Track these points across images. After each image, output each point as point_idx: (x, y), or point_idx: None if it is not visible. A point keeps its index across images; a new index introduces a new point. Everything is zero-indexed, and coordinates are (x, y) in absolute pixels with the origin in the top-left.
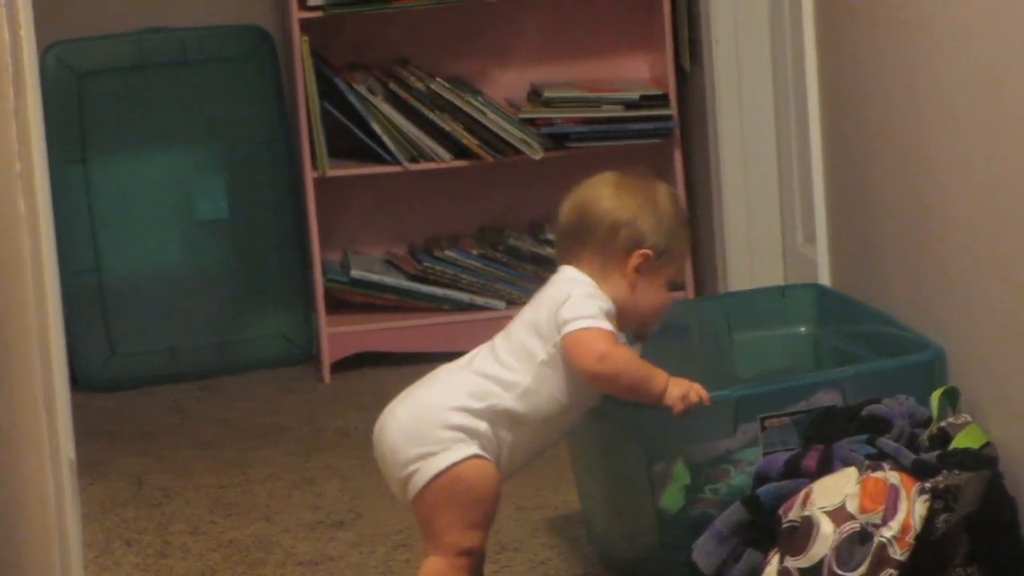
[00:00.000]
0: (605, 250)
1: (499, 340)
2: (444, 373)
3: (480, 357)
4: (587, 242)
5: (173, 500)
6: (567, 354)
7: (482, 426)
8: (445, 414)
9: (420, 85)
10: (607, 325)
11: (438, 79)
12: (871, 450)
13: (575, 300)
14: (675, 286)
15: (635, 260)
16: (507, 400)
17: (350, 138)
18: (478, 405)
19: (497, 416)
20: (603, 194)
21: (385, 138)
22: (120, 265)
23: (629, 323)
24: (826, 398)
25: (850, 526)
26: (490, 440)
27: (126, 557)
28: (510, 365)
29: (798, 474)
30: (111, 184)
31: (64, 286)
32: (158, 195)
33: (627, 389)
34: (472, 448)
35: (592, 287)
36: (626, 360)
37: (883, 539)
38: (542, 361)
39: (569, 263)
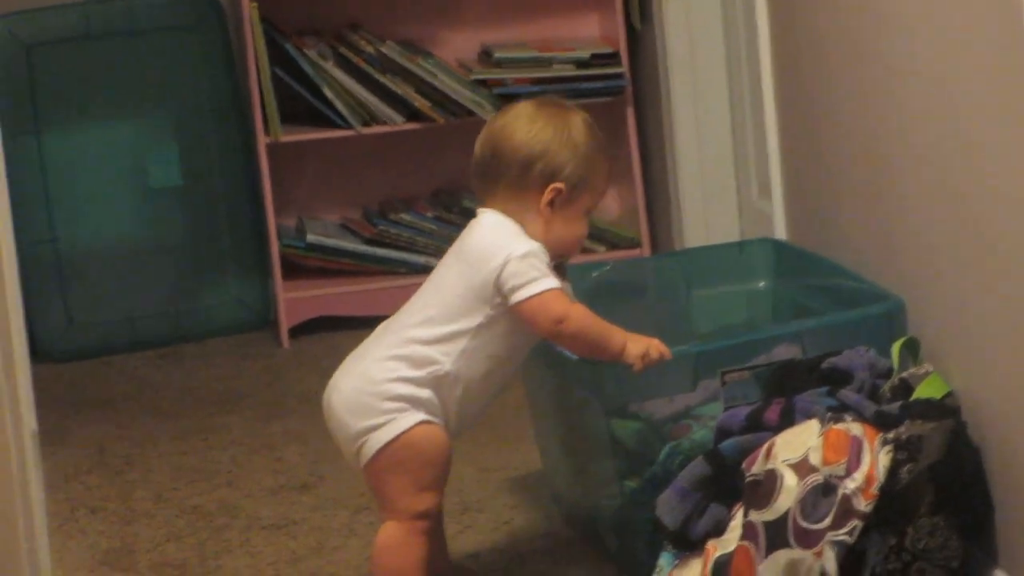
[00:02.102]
0: (520, 187)
1: (430, 298)
2: (379, 341)
3: (414, 319)
4: (500, 179)
5: (135, 467)
6: (524, 321)
7: (425, 393)
8: (387, 386)
9: (371, 49)
10: (554, 282)
11: (388, 42)
12: (833, 402)
13: (515, 264)
14: (630, 242)
15: (547, 196)
16: (447, 364)
17: (302, 103)
18: (419, 373)
19: (439, 381)
20: (515, 128)
21: (337, 103)
22: (76, 235)
23: (550, 256)
24: (786, 351)
25: (814, 478)
26: (435, 405)
27: (91, 525)
28: (447, 328)
29: (760, 428)
30: (64, 155)
31: (20, 257)
32: (112, 165)
33: (587, 347)
34: (418, 415)
35: (518, 233)
36: (584, 319)
37: (847, 491)
38: (480, 323)
39: (486, 201)
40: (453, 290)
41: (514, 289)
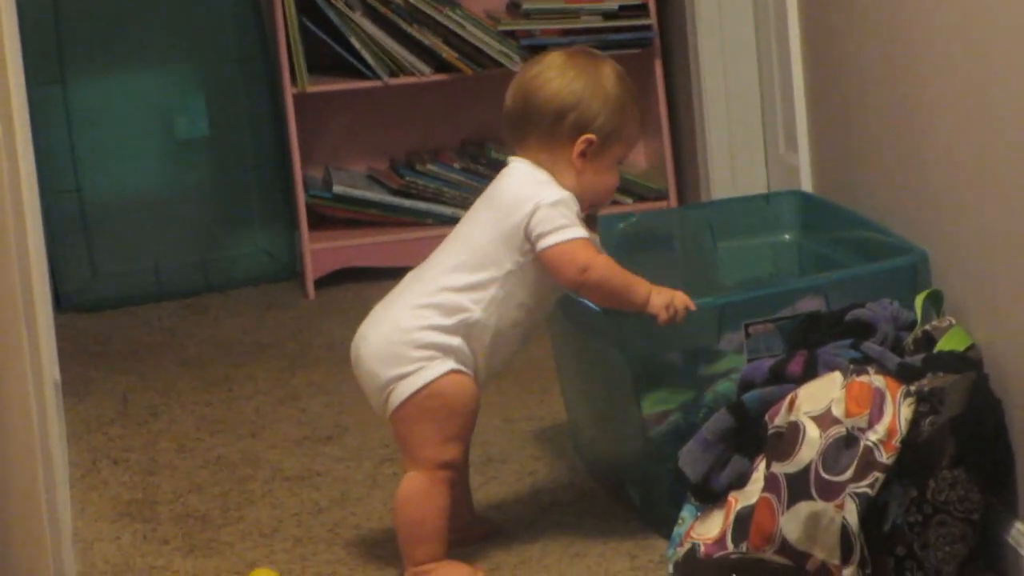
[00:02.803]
0: (552, 137)
1: (460, 247)
2: (409, 289)
3: (443, 267)
4: (532, 131)
5: (159, 418)
6: (549, 268)
7: (455, 341)
8: (418, 334)
9: None
10: (582, 231)
11: None
12: (855, 354)
13: (544, 211)
14: (658, 194)
15: (579, 147)
16: (476, 312)
17: (329, 54)
18: (449, 321)
19: (469, 329)
20: (546, 78)
21: (364, 53)
22: (101, 185)
23: (581, 206)
24: (810, 304)
25: (836, 430)
26: (465, 354)
27: (113, 475)
28: (476, 275)
29: (783, 380)
30: (90, 105)
31: (45, 207)
32: (138, 115)
33: (610, 297)
34: (449, 363)
35: (548, 182)
36: (609, 269)
37: (869, 443)
38: (509, 271)
39: (517, 151)
40: (483, 237)
41: (541, 236)
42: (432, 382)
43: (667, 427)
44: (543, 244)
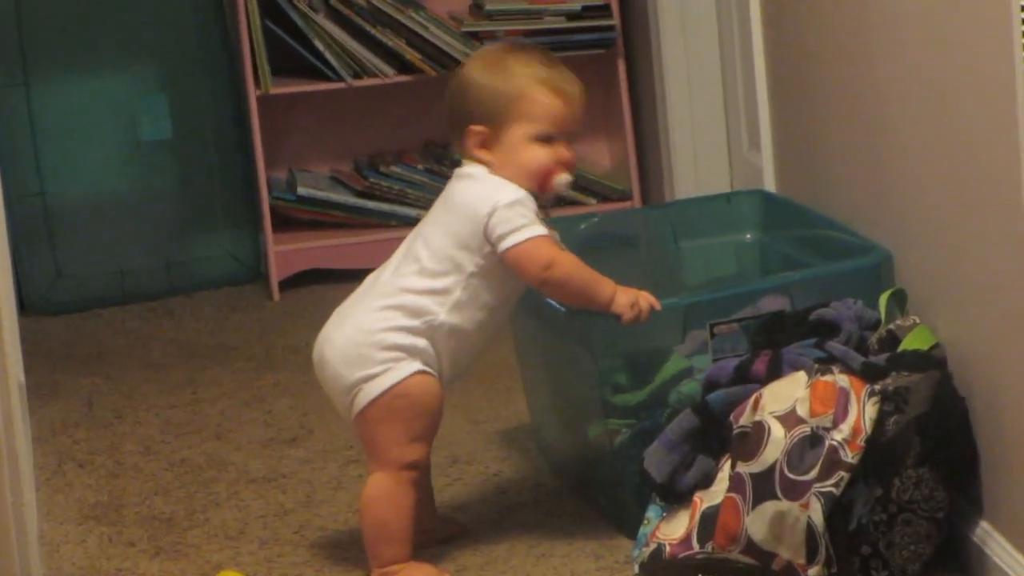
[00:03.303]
0: (462, 138)
1: (421, 250)
2: (371, 291)
3: (406, 270)
4: (455, 130)
5: (124, 421)
6: (512, 268)
7: (421, 342)
8: (383, 335)
9: (361, 1)
10: (542, 229)
11: None
12: (820, 354)
13: (502, 212)
14: (621, 194)
15: (471, 140)
16: (441, 314)
17: (293, 55)
18: (414, 323)
19: (434, 330)
20: (451, 85)
21: (328, 55)
22: (65, 188)
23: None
24: (774, 303)
25: (801, 430)
26: (430, 355)
27: (79, 478)
28: (439, 280)
29: (748, 380)
30: (54, 107)
31: (9, 210)
32: (101, 117)
33: (575, 295)
34: (415, 364)
35: (501, 183)
36: (573, 266)
37: (834, 442)
38: (471, 273)
39: (459, 151)
40: (442, 241)
41: (501, 237)
42: (399, 383)
43: (632, 429)
44: (504, 245)
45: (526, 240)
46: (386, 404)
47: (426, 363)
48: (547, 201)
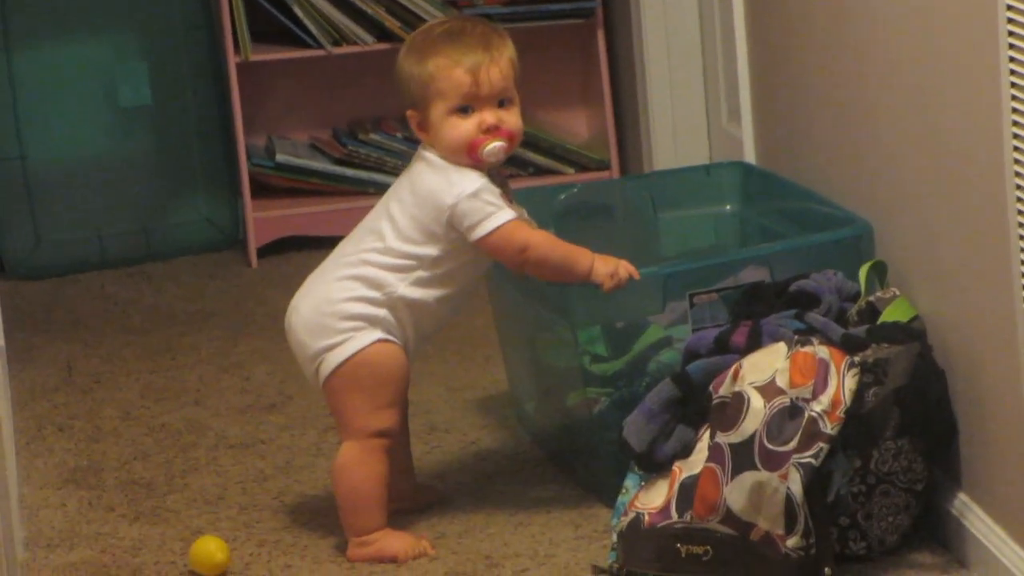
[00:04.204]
0: (408, 120)
1: (386, 228)
2: (336, 261)
3: (370, 244)
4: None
5: (103, 386)
6: (489, 255)
7: (381, 312)
8: (343, 306)
9: None
10: (511, 213)
11: None
12: (800, 325)
13: (466, 203)
14: (600, 164)
15: (412, 124)
16: (400, 288)
17: (273, 22)
18: (375, 294)
19: (394, 302)
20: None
21: (307, 22)
22: (45, 152)
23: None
24: (754, 274)
25: (780, 401)
26: (392, 323)
27: (58, 442)
28: (402, 259)
29: (727, 350)
30: (34, 72)
31: None
32: (81, 82)
33: (553, 272)
34: (376, 333)
35: (459, 170)
36: (548, 244)
37: (813, 413)
38: (435, 257)
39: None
40: (406, 222)
41: (472, 227)
42: (358, 352)
43: (611, 398)
44: (476, 235)
45: (498, 228)
46: (348, 373)
47: (388, 331)
48: (492, 171)
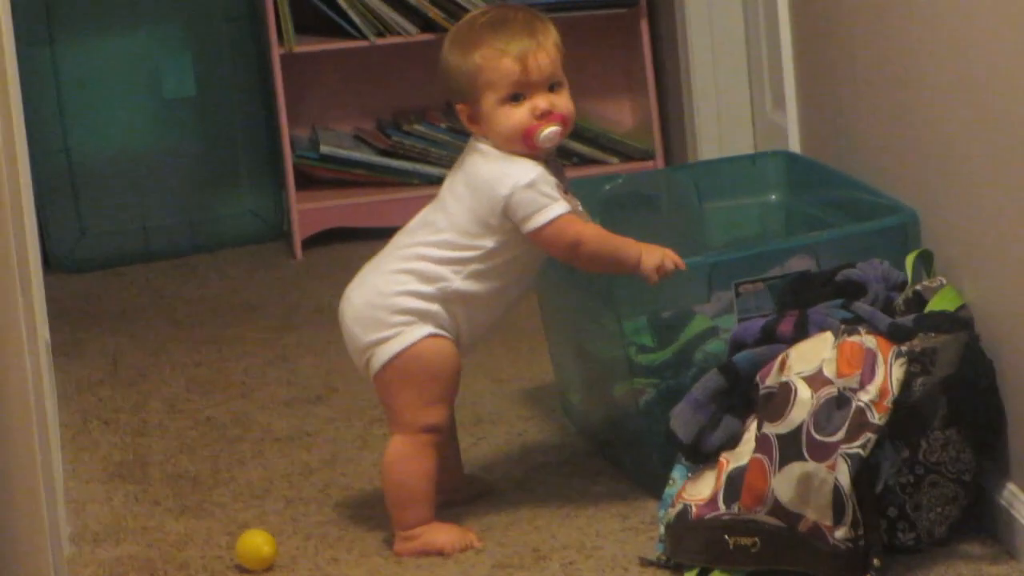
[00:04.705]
0: (457, 114)
1: (441, 220)
2: (391, 253)
3: (425, 237)
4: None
5: (149, 379)
6: (541, 248)
7: (434, 307)
8: (395, 299)
9: None
10: (564, 206)
11: None
12: (847, 314)
13: (521, 194)
14: (644, 154)
15: (463, 118)
16: (455, 282)
17: (316, 13)
18: (428, 288)
19: (448, 296)
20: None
21: (351, 13)
22: (89, 145)
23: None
24: (800, 263)
25: (828, 391)
26: (445, 318)
27: (104, 436)
28: (458, 252)
29: (774, 340)
30: (78, 65)
31: (34, 168)
32: (125, 75)
33: (603, 265)
34: (427, 328)
35: (514, 159)
36: (598, 239)
37: (861, 403)
38: (491, 249)
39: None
40: (462, 214)
41: (526, 218)
42: (410, 347)
43: (658, 389)
44: (529, 227)
45: (551, 221)
46: (399, 367)
47: (440, 326)
48: (549, 158)
